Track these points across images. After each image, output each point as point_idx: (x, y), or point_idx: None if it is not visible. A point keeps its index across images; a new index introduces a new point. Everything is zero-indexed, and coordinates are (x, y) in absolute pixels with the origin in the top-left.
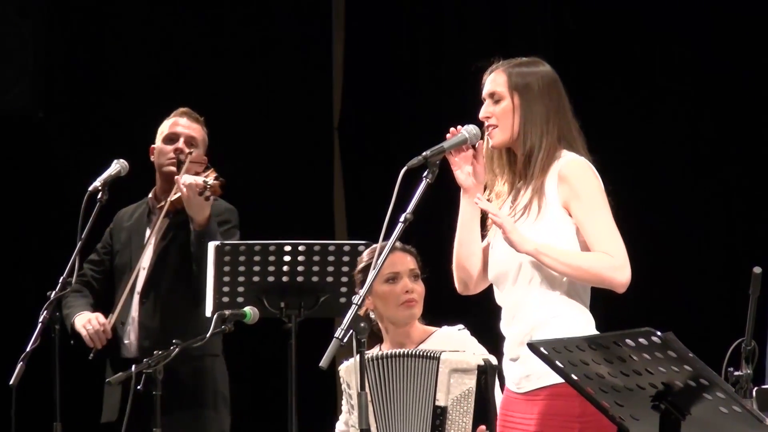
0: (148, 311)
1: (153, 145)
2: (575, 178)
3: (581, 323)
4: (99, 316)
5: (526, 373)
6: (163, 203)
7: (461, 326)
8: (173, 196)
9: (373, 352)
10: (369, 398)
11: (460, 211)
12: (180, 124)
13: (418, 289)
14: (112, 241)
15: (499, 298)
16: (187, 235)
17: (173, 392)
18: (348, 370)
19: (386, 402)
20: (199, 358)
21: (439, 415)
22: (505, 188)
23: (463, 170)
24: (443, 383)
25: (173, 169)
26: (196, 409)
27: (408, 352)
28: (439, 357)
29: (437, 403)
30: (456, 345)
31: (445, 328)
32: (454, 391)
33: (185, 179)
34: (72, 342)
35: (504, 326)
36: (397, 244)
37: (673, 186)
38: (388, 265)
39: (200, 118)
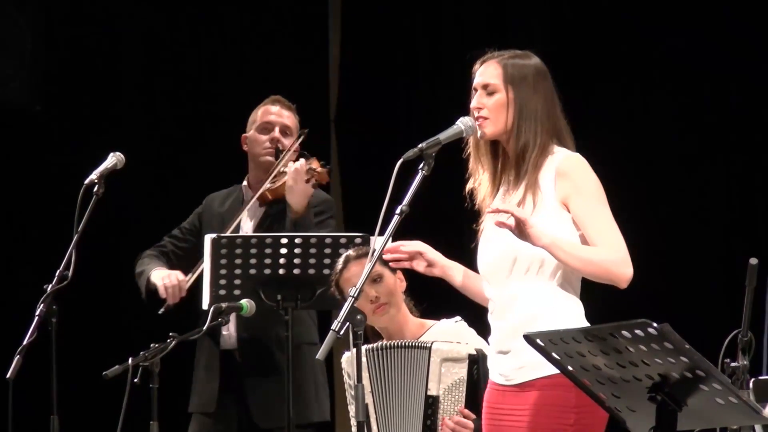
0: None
1: (245, 134)
2: (576, 174)
3: (574, 314)
4: (178, 273)
5: (519, 365)
6: (260, 191)
7: (458, 318)
8: (275, 184)
9: (374, 344)
10: (369, 389)
11: (452, 283)
12: (273, 112)
13: (383, 290)
14: (201, 226)
15: (490, 291)
16: (285, 225)
17: (272, 383)
18: (349, 361)
19: (384, 392)
20: (297, 347)
21: (431, 404)
22: (486, 176)
23: (421, 266)
24: (435, 373)
25: (271, 159)
26: (297, 398)
27: (402, 343)
28: (430, 347)
29: (429, 393)
30: (452, 337)
31: (443, 321)
32: (446, 381)
33: (294, 165)
34: (145, 298)
35: (494, 319)
36: (353, 252)
37: (670, 177)
38: (347, 283)
39: (292, 105)
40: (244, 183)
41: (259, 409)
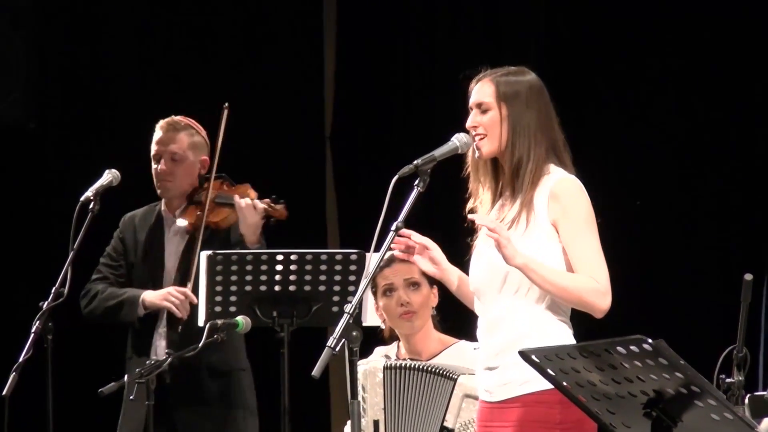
0: (174, 326)
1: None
2: (567, 198)
3: (563, 336)
4: (177, 287)
5: (504, 382)
6: (181, 218)
7: (478, 345)
8: (215, 215)
9: (392, 351)
10: (381, 406)
11: (449, 287)
12: (160, 140)
13: (417, 299)
14: (125, 249)
15: (480, 308)
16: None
17: (201, 408)
18: (365, 374)
19: (398, 411)
20: (227, 373)
21: None
22: (488, 196)
23: (424, 264)
24: (455, 405)
25: (164, 194)
26: (225, 424)
27: (428, 368)
28: (456, 379)
29: (445, 423)
30: (468, 364)
31: (462, 342)
32: (464, 416)
33: (245, 201)
34: (137, 324)
35: (482, 335)
36: (398, 252)
37: (665, 192)
38: (383, 278)
39: (183, 123)
40: (162, 207)
41: None
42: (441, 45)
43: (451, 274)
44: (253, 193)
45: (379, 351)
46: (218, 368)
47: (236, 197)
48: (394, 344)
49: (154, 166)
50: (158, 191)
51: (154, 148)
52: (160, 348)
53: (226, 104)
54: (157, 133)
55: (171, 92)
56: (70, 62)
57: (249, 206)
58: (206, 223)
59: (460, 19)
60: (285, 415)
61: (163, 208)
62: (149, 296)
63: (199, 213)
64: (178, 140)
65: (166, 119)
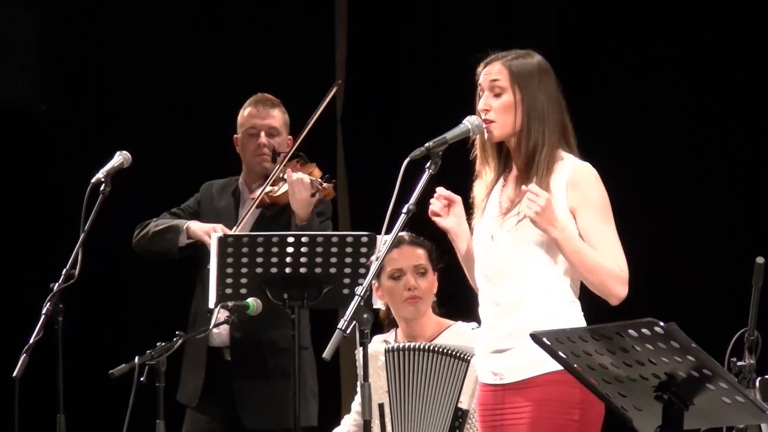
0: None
1: (236, 135)
2: (587, 186)
3: (580, 318)
4: (222, 226)
5: (520, 363)
6: (254, 194)
7: (476, 325)
8: (274, 190)
9: (390, 338)
10: (386, 389)
11: (457, 252)
12: (257, 114)
13: (423, 285)
14: (199, 212)
15: (491, 291)
16: (281, 228)
17: (261, 385)
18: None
19: (404, 393)
20: (288, 350)
21: (460, 417)
22: (490, 177)
23: (448, 220)
24: (469, 387)
25: (260, 167)
26: (284, 402)
27: (437, 349)
28: (470, 360)
29: (459, 405)
30: (467, 343)
31: (459, 323)
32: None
33: (297, 176)
34: (177, 251)
35: (492, 318)
36: (407, 236)
37: (676, 174)
38: (391, 261)
39: (276, 100)
40: (241, 180)
41: (249, 411)
42: (451, 28)
43: (466, 236)
44: (317, 172)
45: (377, 338)
46: (279, 344)
47: (288, 171)
48: (392, 331)
49: (242, 139)
50: (253, 167)
51: (250, 122)
52: (220, 328)
53: (339, 81)
54: (252, 108)
55: (182, 76)
56: (81, 45)
57: (298, 180)
58: (272, 201)
59: (470, 1)
60: (296, 397)
61: (241, 181)
62: (195, 225)
63: (267, 190)
64: (275, 116)
65: (258, 95)
